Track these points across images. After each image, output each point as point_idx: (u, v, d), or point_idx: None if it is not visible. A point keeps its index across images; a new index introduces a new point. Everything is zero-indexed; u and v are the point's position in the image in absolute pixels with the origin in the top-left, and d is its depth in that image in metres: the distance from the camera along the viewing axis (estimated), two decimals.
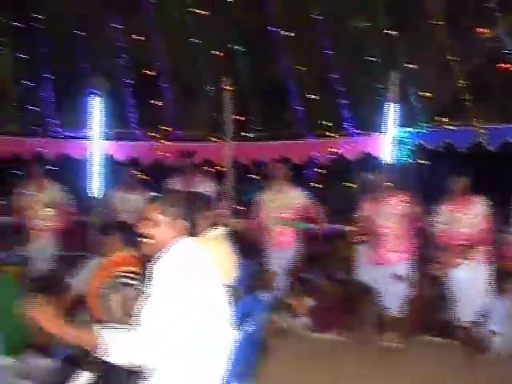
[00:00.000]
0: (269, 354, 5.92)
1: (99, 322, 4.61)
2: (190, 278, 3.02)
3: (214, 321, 3.02)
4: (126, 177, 9.02)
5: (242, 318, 3.15)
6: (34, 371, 3.08)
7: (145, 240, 3.24)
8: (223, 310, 3.11)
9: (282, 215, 8.25)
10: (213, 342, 2.97)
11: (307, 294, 8.68)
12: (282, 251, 8.29)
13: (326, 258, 11.17)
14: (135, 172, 9.14)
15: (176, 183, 8.47)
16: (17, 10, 12.59)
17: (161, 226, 3.19)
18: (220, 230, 4.52)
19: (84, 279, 4.94)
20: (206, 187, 8.27)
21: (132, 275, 4.46)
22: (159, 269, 3.06)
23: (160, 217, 3.19)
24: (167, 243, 3.14)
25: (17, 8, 12.47)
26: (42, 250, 8.81)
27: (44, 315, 3.00)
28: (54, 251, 8.97)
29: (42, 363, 3.22)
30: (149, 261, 3.16)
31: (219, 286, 3.18)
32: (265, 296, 3.25)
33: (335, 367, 6.70)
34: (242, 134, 11.42)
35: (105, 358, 2.92)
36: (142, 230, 3.22)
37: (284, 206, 8.24)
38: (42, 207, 8.85)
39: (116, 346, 2.92)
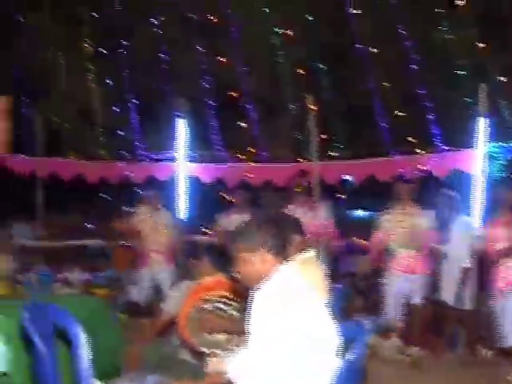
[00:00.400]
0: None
1: (189, 346, 4.59)
2: (291, 305, 2.94)
3: (318, 347, 2.93)
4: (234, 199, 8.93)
5: (344, 344, 3.04)
6: None
7: (240, 276, 3.21)
8: (328, 336, 3.01)
9: (410, 238, 7.75)
10: (316, 369, 2.87)
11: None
12: (408, 276, 7.81)
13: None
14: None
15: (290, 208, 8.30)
16: (103, 37, 12.90)
17: (250, 262, 3.13)
18: (311, 253, 4.44)
19: (175, 303, 4.91)
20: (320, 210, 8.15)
21: (224, 300, 4.41)
22: (259, 297, 2.99)
23: (247, 255, 3.12)
24: (262, 274, 3.07)
25: (103, 34, 12.78)
26: (153, 272, 8.91)
27: None
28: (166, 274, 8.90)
29: None
30: (247, 288, 3.11)
31: (324, 311, 3.09)
32: (367, 321, 3.10)
33: None
34: (327, 152, 11.26)
35: None
36: (236, 268, 3.18)
37: (410, 227, 7.76)
38: (155, 230, 8.88)
39: None
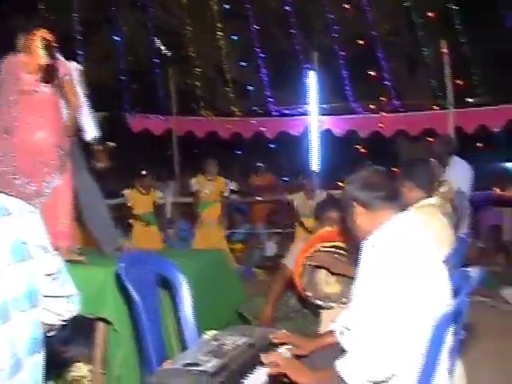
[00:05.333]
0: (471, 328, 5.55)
1: (305, 299, 4.49)
2: (410, 255, 2.72)
3: (432, 298, 2.71)
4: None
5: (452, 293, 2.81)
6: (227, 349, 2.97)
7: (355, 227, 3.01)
8: (442, 287, 2.79)
9: None
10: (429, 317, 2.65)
11: None
12: None
13: None
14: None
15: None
16: None
17: (358, 215, 2.94)
18: (433, 200, 4.18)
19: (293, 257, 4.80)
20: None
21: (338, 250, 4.26)
22: (370, 247, 2.81)
23: (353, 205, 2.94)
24: (372, 227, 2.87)
25: None
26: None
27: (288, 363, 2.92)
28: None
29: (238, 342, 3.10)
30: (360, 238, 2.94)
31: (439, 261, 2.86)
32: (475, 271, 2.84)
33: None
34: (465, 100, 10.68)
35: None
36: (351, 219, 2.99)
37: None
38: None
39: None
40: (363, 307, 2.79)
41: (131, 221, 9.36)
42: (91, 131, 4.81)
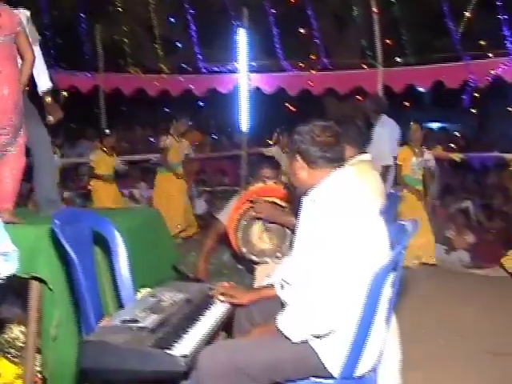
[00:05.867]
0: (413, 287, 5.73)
1: (239, 255, 4.51)
2: (349, 209, 2.77)
3: (371, 250, 2.77)
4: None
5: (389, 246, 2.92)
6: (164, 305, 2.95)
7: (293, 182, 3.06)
8: (380, 239, 2.86)
9: None
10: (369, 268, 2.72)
11: (468, 229, 8.26)
12: None
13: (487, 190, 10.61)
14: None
15: None
16: None
17: (298, 170, 2.95)
18: (365, 157, 4.24)
19: (227, 212, 4.80)
20: None
21: (274, 204, 4.29)
22: (309, 202, 2.86)
23: (294, 160, 2.95)
24: (312, 182, 2.90)
25: None
26: None
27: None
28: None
29: (176, 298, 3.09)
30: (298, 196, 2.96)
31: (376, 214, 2.93)
32: (411, 224, 2.92)
33: (480, 303, 6.36)
34: (394, 59, 10.80)
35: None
36: (287, 180, 3.03)
37: None
38: None
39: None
40: (303, 261, 2.82)
41: (92, 182, 9.30)
42: (45, 83, 4.61)
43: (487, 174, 12.05)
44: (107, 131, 9.42)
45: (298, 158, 2.91)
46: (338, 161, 2.92)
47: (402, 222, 3.01)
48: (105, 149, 9.23)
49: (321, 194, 2.84)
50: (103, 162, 9.24)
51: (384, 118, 8.27)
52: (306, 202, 2.88)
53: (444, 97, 13.24)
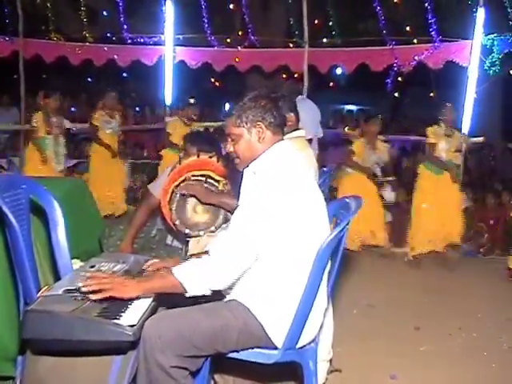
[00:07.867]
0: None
1: (172, 228, 4.50)
2: (290, 181, 2.83)
3: (313, 222, 2.86)
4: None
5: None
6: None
7: (233, 158, 3.08)
8: (321, 211, 2.95)
9: None
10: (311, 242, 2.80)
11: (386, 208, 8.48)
12: None
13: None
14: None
15: None
16: None
17: (241, 139, 2.97)
18: (301, 132, 4.32)
19: (160, 185, 4.78)
20: None
21: (208, 179, 4.29)
22: (250, 174, 2.87)
23: (237, 130, 2.96)
24: (256, 152, 2.94)
25: None
26: None
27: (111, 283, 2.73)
28: None
29: (115, 268, 3.07)
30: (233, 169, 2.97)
31: (316, 186, 3.01)
32: (354, 201, 3.00)
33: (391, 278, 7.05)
34: (320, 40, 10.91)
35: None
36: (227, 148, 3.03)
37: None
38: None
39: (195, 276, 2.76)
40: (245, 233, 2.82)
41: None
42: None
43: (403, 158, 12.33)
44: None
45: (252, 129, 2.94)
46: (279, 126, 3.00)
47: (346, 199, 3.08)
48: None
49: (262, 165, 2.88)
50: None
51: (300, 98, 8.39)
52: (247, 173, 2.90)
53: (366, 79, 13.47)
